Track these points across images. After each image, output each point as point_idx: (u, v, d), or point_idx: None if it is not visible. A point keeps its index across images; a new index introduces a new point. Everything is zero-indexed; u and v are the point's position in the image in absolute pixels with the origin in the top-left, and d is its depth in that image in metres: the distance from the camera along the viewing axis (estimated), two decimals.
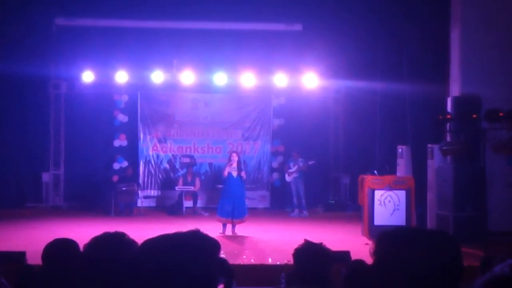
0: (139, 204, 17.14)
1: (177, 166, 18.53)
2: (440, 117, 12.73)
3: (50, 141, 18.34)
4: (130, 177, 17.36)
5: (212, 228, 12.47)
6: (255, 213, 16.86)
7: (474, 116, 12.46)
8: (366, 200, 12.81)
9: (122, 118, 18.42)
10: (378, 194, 12.81)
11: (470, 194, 12.23)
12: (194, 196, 17.34)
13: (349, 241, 12.27)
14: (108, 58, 16.42)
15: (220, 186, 14.73)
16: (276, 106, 18.86)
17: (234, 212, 13.13)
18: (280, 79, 17.42)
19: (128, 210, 16.62)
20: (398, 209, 12.79)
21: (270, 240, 12.52)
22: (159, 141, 18.54)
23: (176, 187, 17.47)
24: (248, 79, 17.29)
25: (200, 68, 17.09)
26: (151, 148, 18.52)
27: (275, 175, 18.80)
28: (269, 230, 14.16)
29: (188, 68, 16.92)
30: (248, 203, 17.67)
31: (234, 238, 12.83)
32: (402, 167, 14.41)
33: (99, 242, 3.02)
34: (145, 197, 17.81)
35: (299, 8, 14.69)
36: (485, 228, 11.99)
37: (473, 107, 12.54)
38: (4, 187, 17.34)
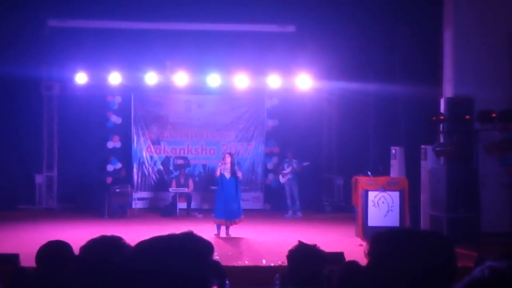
0: (132, 205, 17.11)
1: (171, 168, 18.52)
2: (433, 118, 12.76)
3: (43, 143, 18.29)
4: (124, 178, 17.33)
5: (206, 230, 12.46)
6: (249, 215, 16.84)
7: (467, 117, 12.49)
8: (360, 201, 12.83)
9: (115, 119, 18.39)
10: (372, 195, 12.83)
11: (463, 195, 12.26)
12: (187, 197, 17.33)
13: (343, 242, 12.28)
14: (101, 60, 16.39)
15: (214, 187, 14.71)
16: (270, 107, 18.87)
17: (227, 214, 13.09)
18: (273, 80, 17.42)
19: (121, 212, 16.58)
20: (392, 210, 12.81)
21: (264, 242, 12.52)
22: (153, 142, 18.52)
23: (170, 189, 17.46)
24: (241, 81, 17.29)
25: (193, 70, 17.07)
26: (145, 149, 18.49)
27: (271, 176, 18.80)
28: (263, 231, 14.16)
29: (181, 70, 16.91)
30: (242, 205, 17.71)
31: (228, 239, 12.83)
32: (396, 168, 14.43)
33: (95, 244, 3.02)
34: (139, 199, 17.79)
35: (292, 9, 14.70)
36: (478, 229, 12.03)
37: (466, 108, 12.57)
38: None
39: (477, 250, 10.37)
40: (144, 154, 18.48)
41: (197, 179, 18.29)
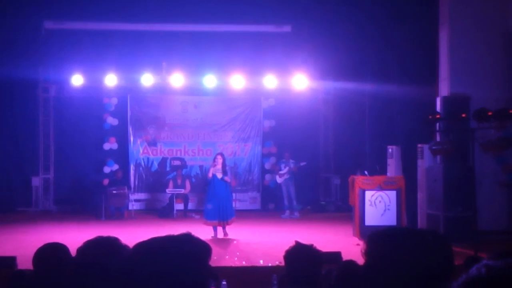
0: (129, 207, 17.11)
1: (168, 169, 18.51)
2: (430, 117, 12.78)
3: (40, 145, 18.27)
4: (121, 180, 17.31)
5: (203, 231, 12.46)
6: (246, 215, 16.86)
7: (463, 115, 12.51)
8: (357, 201, 12.84)
9: (112, 121, 18.39)
10: (368, 194, 12.84)
11: (460, 193, 12.28)
12: (185, 198, 17.33)
13: (340, 241, 12.29)
14: (98, 61, 16.39)
15: None
16: (266, 107, 18.88)
17: (221, 214, 13.01)
18: (270, 81, 17.44)
19: (118, 214, 16.57)
20: (389, 209, 12.82)
21: (261, 242, 12.52)
22: (149, 144, 18.51)
23: (167, 190, 17.45)
24: (237, 81, 17.30)
25: (190, 71, 17.08)
26: (142, 151, 18.49)
27: (268, 177, 18.81)
28: (260, 232, 14.16)
29: (178, 71, 16.92)
30: (239, 205, 17.73)
31: (225, 240, 12.82)
32: (392, 167, 14.45)
33: (92, 246, 3.02)
34: (136, 200, 17.77)
35: (288, 9, 14.71)
36: (475, 227, 12.05)
37: (462, 107, 12.59)
38: None
39: (474, 248, 10.38)
40: (141, 155, 18.47)
41: (194, 180, 18.29)
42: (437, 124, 13.00)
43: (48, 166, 18.32)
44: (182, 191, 17.32)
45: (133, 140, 18.43)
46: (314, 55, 16.31)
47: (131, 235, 11.98)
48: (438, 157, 12.89)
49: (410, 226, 12.61)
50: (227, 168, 13.37)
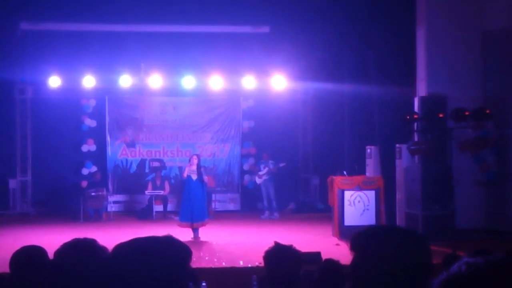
0: (108, 209, 17.01)
1: (147, 170, 18.44)
2: (408, 117, 12.85)
3: (17, 147, 18.10)
4: (99, 182, 17.21)
5: (183, 233, 12.42)
6: (226, 216, 16.85)
7: (441, 115, 12.60)
8: (336, 201, 12.88)
9: (90, 123, 18.27)
10: (347, 194, 12.89)
11: (438, 192, 12.36)
12: (164, 200, 17.27)
13: (320, 242, 12.33)
14: (75, 63, 16.27)
15: None
16: (245, 108, 18.88)
17: (194, 216, 12.86)
18: (249, 82, 17.45)
19: (97, 216, 16.48)
20: (368, 209, 12.89)
21: (241, 243, 12.51)
22: (128, 145, 18.43)
23: (146, 192, 17.38)
24: (216, 82, 17.28)
25: (168, 72, 17.03)
26: (120, 152, 18.40)
27: (247, 178, 18.82)
28: (240, 232, 14.15)
29: (156, 72, 16.86)
30: (219, 206, 17.72)
31: (205, 241, 12.78)
32: (371, 167, 14.51)
33: (69, 248, 2.99)
34: (115, 202, 17.68)
35: (266, 10, 14.71)
36: (453, 226, 12.16)
37: (440, 107, 12.68)
38: None
39: (452, 247, 10.46)
40: (119, 157, 18.38)
41: (173, 181, 18.23)
42: (415, 124, 13.08)
43: (25, 168, 18.15)
44: (161, 192, 17.26)
45: (111, 141, 18.33)
46: (292, 55, 16.34)
47: (110, 237, 11.89)
48: (416, 157, 12.97)
49: (390, 224, 12.65)
50: (202, 169, 13.21)
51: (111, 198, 17.45)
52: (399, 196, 13.37)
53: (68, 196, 17.13)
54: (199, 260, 10.41)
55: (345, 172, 13.49)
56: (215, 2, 14.34)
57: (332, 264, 5.17)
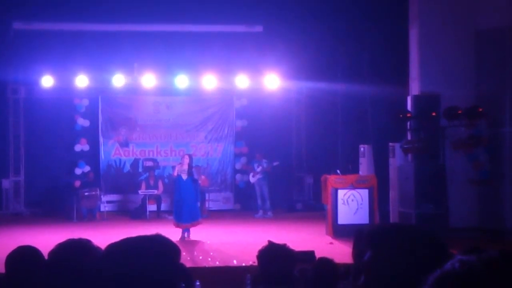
0: (101, 208, 16.97)
1: (140, 170, 18.41)
2: (401, 115, 12.88)
3: (10, 147, 18.04)
4: (92, 181, 17.18)
5: (176, 232, 12.43)
6: (220, 215, 16.84)
7: (434, 114, 12.63)
8: (330, 200, 12.90)
9: (83, 122, 18.23)
10: (341, 193, 12.91)
11: (432, 191, 12.39)
12: (157, 199, 17.25)
13: (314, 240, 12.33)
14: (68, 62, 16.22)
15: None
16: (239, 107, 18.87)
17: (183, 216, 12.75)
18: (242, 81, 17.45)
19: (90, 215, 16.45)
20: (361, 207, 12.91)
21: (235, 242, 12.51)
22: (121, 145, 18.39)
23: (139, 191, 17.35)
24: (209, 81, 17.28)
25: (161, 71, 17.01)
26: (113, 152, 18.36)
27: (238, 177, 18.82)
28: (234, 231, 14.15)
29: (149, 71, 16.83)
30: (212, 205, 17.70)
31: (199, 240, 12.76)
32: (365, 166, 14.54)
33: (63, 248, 2.98)
34: (108, 202, 17.63)
35: (260, 9, 14.72)
36: (446, 225, 12.18)
37: (433, 105, 12.71)
38: None
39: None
40: (112, 156, 18.35)
41: (166, 180, 18.20)
42: (408, 123, 13.11)
43: (18, 168, 18.10)
44: (155, 192, 17.24)
45: (105, 141, 18.29)
46: (286, 54, 16.34)
47: (104, 237, 11.86)
48: (410, 155, 13.00)
49: (380, 223, 12.68)
50: (193, 170, 13.13)
51: (105, 198, 17.41)
52: (393, 194, 13.40)
53: (61, 196, 17.08)
54: (193, 259, 10.41)
55: (338, 171, 13.51)
56: (208, 2, 14.35)
57: (325, 262, 5.18)
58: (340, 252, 10.18)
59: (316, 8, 14.19)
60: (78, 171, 17.99)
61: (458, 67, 13.04)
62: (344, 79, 15.72)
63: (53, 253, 2.99)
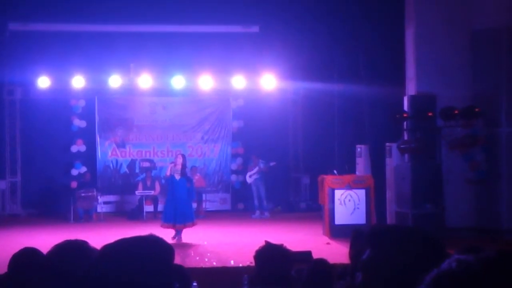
0: (98, 209, 16.94)
1: (137, 171, 18.40)
2: (397, 116, 12.89)
3: (6, 148, 18.01)
4: (89, 182, 17.16)
5: (173, 233, 12.40)
6: (216, 216, 16.84)
7: (430, 114, 12.64)
8: (327, 200, 12.90)
9: (79, 123, 18.21)
10: (338, 193, 12.91)
11: (428, 191, 12.40)
12: (154, 200, 17.23)
13: (311, 241, 12.33)
14: (64, 63, 16.21)
15: None
16: (235, 108, 18.87)
17: (177, 217, 12.47)
18: (238, 81, 17.44)
19: (87, 216, 16.43)
20: (358, 208, 12.92)
21: (232, 243, 12.50)
22: (118, 145, 18.37)
23: (136, 192, 17.34)
24: (206, 82, 17.27)
25: (158, 72, 17.00)
26: (110, 153, 18.34)
27: (234, 177, 18.82)
28: (231, 232, 14.14)
29: (146, 72, 16.83)
30: (209, 206, 17.68)
31: (195, 241, 12.73)
32: (361, 166, 14.55)
33: (59, 250, 2.98)
34: (105, 203, 17.61)
35: (256, 10, 14.73)
36: (443, 225, 12.20)
37: (429, 106, 12.72)
38: None
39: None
40: (109, 157, 18.33)
41: (163, 181, 18.13)
42: (405, 123, 13.12)
43: (15, 169, 18.07)
44: (152, 192, 17.23)
45: (101, 142, 18.28)
46: (282, 55, 16.35)
47: (100, 238, 11.85)
48: (406, 155, 13.01)
49: (380, 224, 12.69)
50: (186, 170, 12.99)
51: (101, 199, 17.38)
52: (389, 194, 13.41)
53: (58, 197, 17.07)
54: (190, 260, 10.40)
55: (335, 171, 13.52)
56: (204, 2, 14.34)
57: (321, 263, 5.18)
58: (337, 252, 10.19)
59: (313, 8, 14.20)
60: (74, 172, 17.97)
61: (454, 67, 13.05)
62: (340, 80, 15.72)
63: (50, 254, 2.98)
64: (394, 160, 13.30)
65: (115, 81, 16.83)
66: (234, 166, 18.90)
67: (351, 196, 12.95)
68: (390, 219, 13.26)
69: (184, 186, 12.69)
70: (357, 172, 14.34)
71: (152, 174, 17.92)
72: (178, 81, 17.11)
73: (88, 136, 18.23)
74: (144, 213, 16.78)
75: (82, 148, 18.21)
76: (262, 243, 4.32)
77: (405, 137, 13.14)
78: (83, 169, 17.93)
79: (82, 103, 18.19)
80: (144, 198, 17.03)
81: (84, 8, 14.16)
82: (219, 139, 18.75)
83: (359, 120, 14.78)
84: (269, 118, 18.24)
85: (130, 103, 18.44)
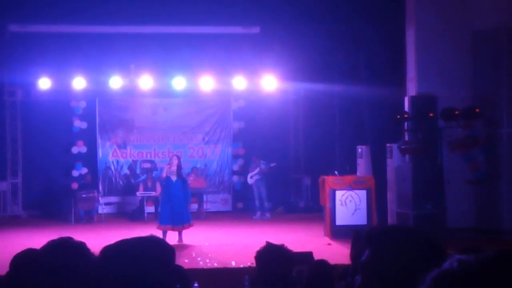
0: (99, 211, 16.95)
1: (138, 172, 18.40)
2: (398, 116, 12.89)
3: (7, 150, 18.03)
4: (90, 184, 17.18)
5: (173, 234, 12.41)
6: (218, 217, 16.84)
7: (431, 114, 12.64)
8: (328, 201, 12.91)
9: (80, 124, 18.22)
10: (339, 194, 12.92)
11: (429, 192, 12.40)
12: (155, 201, 17.22)
13: (312, 242, 12.33)
14: (65, 64, 16.21)
15: None
16: (236, 109, 18.88)
17: (174, 219, 12.40)
18: (239, 82, 17.44)
19: (88, 217, 16.44)
20: (359, 208, 12.92)
21: (233, 243, 12.51)
22: (119, 147, 18.39)
23: (137, 193, 17.34)
24: (207, 83, 17.27)
25: (159, 73, 17.00)
26: (111, 154, 18.36)
27: (236, 178, 18.82)
28: (232, 233, 14.15)
29: (146, 73, 16.83)
30: (210, 207, 17.69)
31: (197, 242, 12.73)
32: (362, 167, 14.55)
33: (55, 248, 2.98)
34: (106, 204, 17.63)
35: (257, 10, 14.71)
36: (444, 225, 12.20)
37: (430, 106, 12.72)
38: None
39: (443, 246, 10.49)
40: (110, 158, 18.34)
41: (163, 183, 18.18)
42: (406, 124, 13.13)
43: (16, 171, 18.09)
44: (153, 193, 17.23)
45: (102, 143, 18.29)
46: (283, 56, 16.34)
47: (101, 239, 11.87)
48: (407, 156, 13.01)
49: (378, 225, 12.69)
50: (182, 171, 12.97)
51: (102, 200, 17.40)
52: (390, 195, 13.41)
53: (59, 198, 17.08)
54: (191, 261, 10.40)
55: (336, 172, 13.52)
56: (205, 3, 14.33)
57: (321, 264, 5.18)
58: (338, 253, 10.19)
59: (313, 9, 14.18)
60: (75, 173, 17.99)
61: (455, 67, 13.06)
62: (341, 80, 15.72)
63: (44, 249, 2.99)
64: (395, 160, 13.31)
65: (115, 82, 16.83)
66: (235, 167, 18.92)
67: (352, 197, 12.95)
68: (391, 219, 13.26)
69: (180, 187, 12.64)
70: (358, 173, 14.34)
71: (153, 175, 17.92)
72: (178, 82, 17.12)
73: (89, 137, 18.24)
74: (145, 214, 16.78)
75: (83, 149, 18.22)
76: (263, 244, 4.32)
77: (406, 138, 13.14)
78: (84, 170, 17.94)
79: (83, 104, 18.21)
80: (145, 199, 17.03)
81: (84, 9, 14.15)
82: (220, 140, 18.76)
83: (360, 121, 14.78)
84: (270, 119, 18.25)
85: (130, 104, 18.45)
